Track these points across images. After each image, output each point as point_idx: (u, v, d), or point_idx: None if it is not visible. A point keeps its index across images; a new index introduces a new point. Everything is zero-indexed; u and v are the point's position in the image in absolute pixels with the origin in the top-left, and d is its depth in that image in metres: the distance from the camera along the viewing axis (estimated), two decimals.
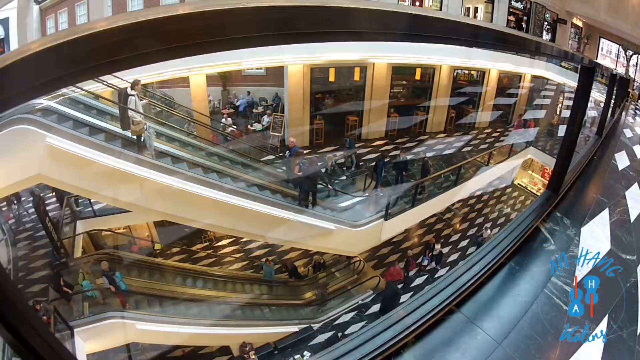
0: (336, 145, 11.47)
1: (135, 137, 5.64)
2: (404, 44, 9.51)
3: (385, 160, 10.07)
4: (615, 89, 6.00)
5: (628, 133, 6.85)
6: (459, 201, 10.77)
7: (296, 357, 7.09)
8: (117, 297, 6.46)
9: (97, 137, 5.16)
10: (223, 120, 10.83)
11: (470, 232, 11.01)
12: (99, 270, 6.61)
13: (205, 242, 9.60)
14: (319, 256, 9.27)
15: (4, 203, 8.30)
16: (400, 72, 12.32)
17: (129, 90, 5.63)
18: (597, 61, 12.60)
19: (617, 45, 15.54)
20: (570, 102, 9.62)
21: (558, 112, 14.69)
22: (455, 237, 10.78)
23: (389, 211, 7.60)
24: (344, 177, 9.84)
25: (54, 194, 8.36)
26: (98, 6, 10.69)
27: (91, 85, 6.26)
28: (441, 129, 13.10)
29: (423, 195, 8.69)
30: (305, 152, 10.82)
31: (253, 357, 6.94)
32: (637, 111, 12.16)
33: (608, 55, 16.11)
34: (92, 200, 7.63)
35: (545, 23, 15.45)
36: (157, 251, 8.98)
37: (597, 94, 9.38)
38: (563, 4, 15.41)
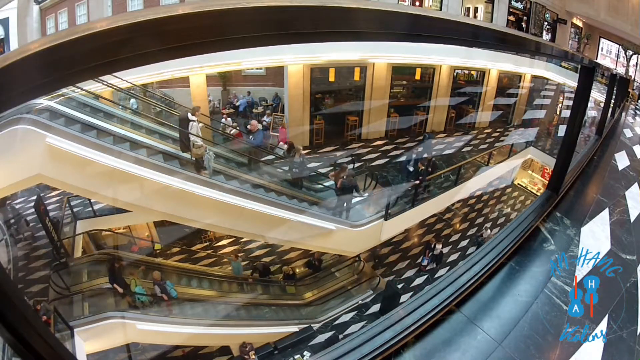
0: (336, 144, 11.47)
1: (194, 158, 5.84)
2: (404, 44, 9.50)
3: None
4: (615, 89, 6.00)
5: (628, 133, 6.85)
6: (459, 201, 10.77)
7: (296, 357, 7.08)
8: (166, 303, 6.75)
9: (99, 137, 5.16)
10: (223, 120, 10.83)
11: (470, 232, 11.01)
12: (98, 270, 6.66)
13: (205, 242, 9.60)
14: (287, 267, 9.21)
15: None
16: (400, 72, 12.31)
17: (189, 116, 5.72)
18: (597, 61, 12.59)
19: (617, 45, 15.54)
20: (570, 102, 9.62)
21: (558, 112, 14.70)
22: (455, 237, 10.78)
23: (389, 211, 7.61)
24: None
25: None
26: (98, 6, 10.70)
27: (91, 85, 6.27)
28: (441, 129, 13.10)
29: (424, 195, 8.67)
30: (303, 152, 10.83)
31: (253, 357, 6.94)
32: (637, 111, 12.16)
33: (608, 55, 16.12)
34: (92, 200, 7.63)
35: (545, 23, 15.46)
36: (157, 251, 8.99)
37: (597, 94, 9.38)
38: (563, 4, 15.42)
